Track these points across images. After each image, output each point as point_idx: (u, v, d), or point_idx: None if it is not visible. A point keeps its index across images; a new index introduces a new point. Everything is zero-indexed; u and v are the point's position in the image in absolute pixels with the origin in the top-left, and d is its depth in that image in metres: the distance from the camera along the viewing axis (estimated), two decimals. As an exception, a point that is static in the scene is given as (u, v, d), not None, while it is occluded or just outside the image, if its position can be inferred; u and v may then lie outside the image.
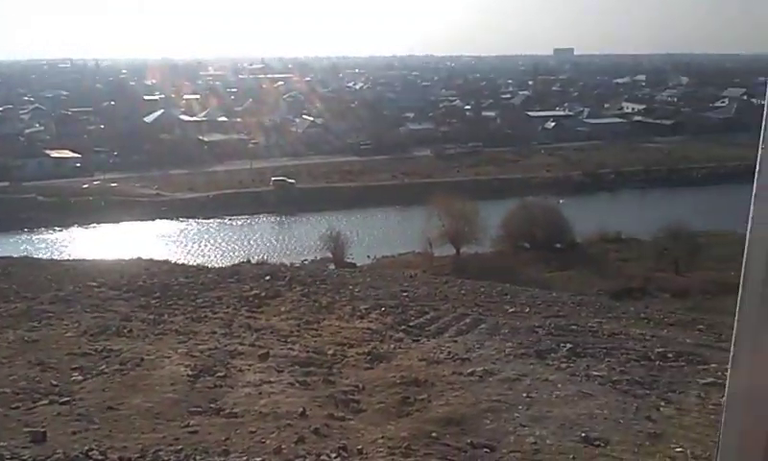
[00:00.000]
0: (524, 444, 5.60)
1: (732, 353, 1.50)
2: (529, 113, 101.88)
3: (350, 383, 7.11)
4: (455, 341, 9.26)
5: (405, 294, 13.56)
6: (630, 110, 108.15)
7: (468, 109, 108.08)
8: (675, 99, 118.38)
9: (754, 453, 1.43)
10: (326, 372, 7.43)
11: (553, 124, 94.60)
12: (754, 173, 1.58)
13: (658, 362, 9.07)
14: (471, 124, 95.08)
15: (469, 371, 7.65)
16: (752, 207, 1.50)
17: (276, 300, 11.47)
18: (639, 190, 70.32)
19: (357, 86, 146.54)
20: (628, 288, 38.20)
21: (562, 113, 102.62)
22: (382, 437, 5.62)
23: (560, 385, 7.30)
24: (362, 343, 8.78)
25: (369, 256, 48.89)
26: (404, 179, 72.48)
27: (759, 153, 1.53)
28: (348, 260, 44.36)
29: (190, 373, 6.95)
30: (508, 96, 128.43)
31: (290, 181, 66.64)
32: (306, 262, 40.44)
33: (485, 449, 5.54)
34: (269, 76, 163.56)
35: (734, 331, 1.47)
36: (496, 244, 47.94)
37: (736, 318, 1.49)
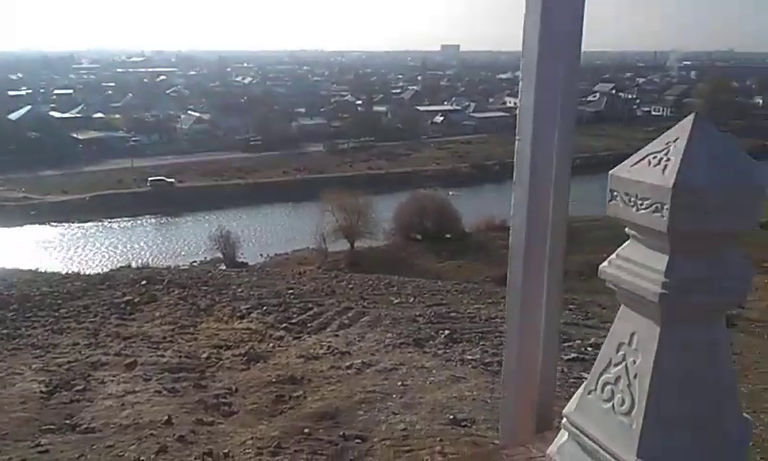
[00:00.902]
0: (395, 431, 5.69)
1: (506, 334, 1.57)
2: (419, 108, 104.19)
3: (223, 386, 6.89)
4: (336, 335, 9.26)
5: (291, 291, 13.38)
6: (513, 105, 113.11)
7: (359, 104, 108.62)
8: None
9: (526, 420, 1.51)
10: (198, 376, 7.16)
11: (441, 118, 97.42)
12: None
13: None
14: (363, 119, 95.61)
15: (348, 364, 7.67)
16: (512, 196, 1.59)
17: (150, 305, 10.89)
18: (522, 180, 73.95)
19: (246, 81, 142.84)
20: (513, 274, 40.16)
21: (449, 108, 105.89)
22: (252, 438, 5.49)
23: (434, 371, 7.50)
24: (239, 344, 8.55)
25: (262, 255, 47.96)
26: (297, 175, 71.68)
27: (516, 144, 1.62)
28: (240, 260, 43.32)
29: (44, 389, 6.43)
30: (398, 91, 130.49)
31: (169, 180, 63.82)
32: (195, 264, 39.00)
33: (356, 440, 5.56)
34: (150, 70, 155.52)
35: (506, 314, 1.55)
36: (389, 237, 48.65)
37: (506, 301, 1.58)
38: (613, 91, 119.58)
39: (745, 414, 1.62)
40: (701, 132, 1.34)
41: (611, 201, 1.43)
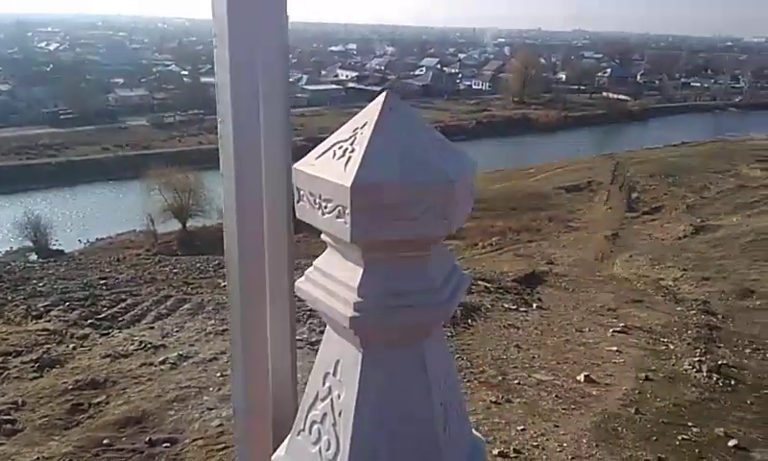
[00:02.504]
0: (209, 428, 5.31)
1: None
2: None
3: (6, 401, 5.96)
4: (152, 328, 8.52)
5: (104, 282, 12.16)
6: (345, 77, 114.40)
7: (185, 75, 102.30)
8: (383, 67, 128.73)
9: (258, 404, 1.32)
10: (-26, 393, 6.13)
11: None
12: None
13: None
14: (190, 90, 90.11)
15: (162, 359, 7.06)
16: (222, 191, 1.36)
17: None
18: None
19: (52, 47, 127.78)
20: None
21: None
22: (38, 458, 4.79)
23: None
24: (32, 349, 7.49)
25: (81, 241, 43.57)
26: (118, 151, 65.99)
27: (219, 128, 1.39)
28: (55, 247, 39.00)
29: None
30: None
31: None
32: (-2, 255, 34.37)
33: (165, 444, 5.10)
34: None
35: (230, 337, 1.34)
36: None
37: (229, 322, 1.38)
38: (438, 66, 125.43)
39: (476, 432, 1.51)
40: (391, 116, 1.13)
41: (298, 201, 1.18)
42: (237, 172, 1.29)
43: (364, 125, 1.12)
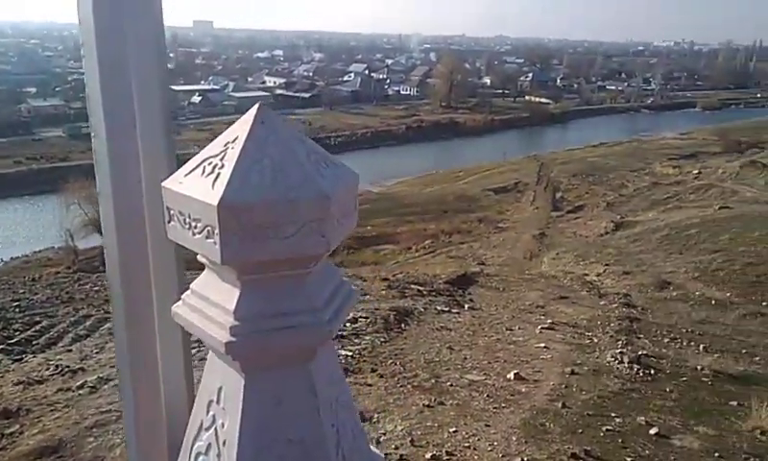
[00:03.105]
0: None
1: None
2: (173, 87, 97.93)
3: None
4: (69, 351, 8.08)
5: (17, 304, 11.43)
6: (272, 84, 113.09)
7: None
8: (311, 73, 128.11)
9: (151, 430, 1.26)
10: None
11: (199, 98, 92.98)
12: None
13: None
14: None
15: (80, 383, 6.69)
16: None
17: None
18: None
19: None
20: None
21: (207, 87, 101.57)
22: (-59, 502, 4.42)
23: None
24: (-66, 381, 6.94)
25: (-8, 261, 40.89)
26: (32, 164, 62.49)
27: (93, 143, 1.31)
28: (-36, 269, 36.45)
29: None
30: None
31: None
32: None
33: (84, 475, 4.82)
34: None
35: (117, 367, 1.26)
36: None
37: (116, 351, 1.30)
38: (366, 72, 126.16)
39: (374, 448, 1.48)
40: (262, 130, 1.08)
41: (169, 221, 1.11)
42: (115, 190, 1.20)
43: (234, 140, 1.06)
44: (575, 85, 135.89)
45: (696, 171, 49.09)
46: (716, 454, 5.41)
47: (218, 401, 1.14)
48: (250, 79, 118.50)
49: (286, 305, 1.07)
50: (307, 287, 1.09)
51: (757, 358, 9.80)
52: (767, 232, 19.73)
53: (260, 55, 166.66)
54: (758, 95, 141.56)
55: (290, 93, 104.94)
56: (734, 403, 6.87)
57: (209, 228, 0.98)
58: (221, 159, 1.03)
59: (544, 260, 23.69)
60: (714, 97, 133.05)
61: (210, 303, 1.09)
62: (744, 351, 10.35)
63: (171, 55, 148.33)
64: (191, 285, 1.16)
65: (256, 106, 1.11)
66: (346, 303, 1.20)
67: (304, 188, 1.00)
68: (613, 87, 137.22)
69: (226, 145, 1.06)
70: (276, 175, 1.01)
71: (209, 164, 1.04)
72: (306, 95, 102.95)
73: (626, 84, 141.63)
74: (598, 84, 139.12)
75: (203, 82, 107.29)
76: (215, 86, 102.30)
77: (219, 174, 1.00)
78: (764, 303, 14.71)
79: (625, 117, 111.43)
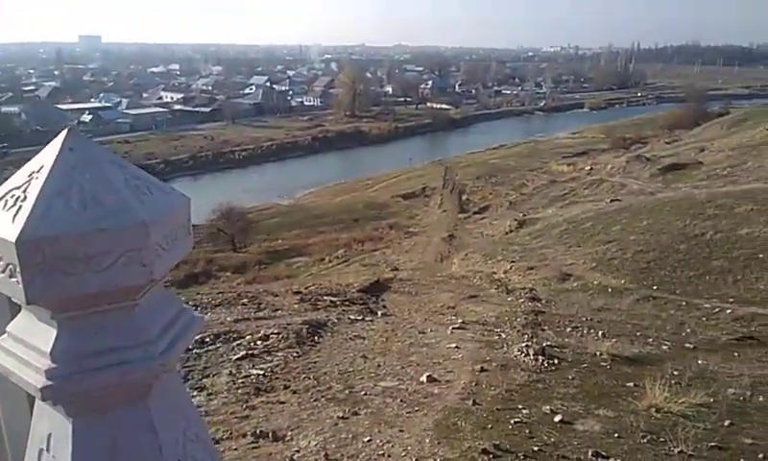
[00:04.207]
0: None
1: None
2: (60, 106, 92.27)
3: None
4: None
5: None
6: (169, 99, 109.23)
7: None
8: (210, 87, 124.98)
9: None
10: None
11: (90, 117, 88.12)
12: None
13: (195, 351, 9.08)
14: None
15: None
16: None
17: None
18: (190, 176, 72.08)
19: None
20: (193, 274, 38.94)
21: (98, 105, 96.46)
22: None
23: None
24: None
25: None
26: None
27: None
28: None
29: None
30: (32, 88, 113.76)
31: None
32: None
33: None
34: None
35: None
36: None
37: None
38: (268, 83, 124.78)
39: None
40: (71, 157, 1.01)
41: None
42: None
43: (40, 169, 0.98)
44: (473, 91, 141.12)
45: (588, 167, 52.21)
46: (616, 435, 5.72)
47: (48, 449, 1.04)
48: (145, 95, 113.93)
49: (111, 342, 0.99)
50: (136, 320, 1.02)
51: (650, 339, 10.51)
52: (653, 221, 21.27)
53: (155, 70, 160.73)
54: (639, 94, 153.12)
55: (189, 108, 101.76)
56: (631, 385, 7.30)
57: (11, 266, 0.89)
58: (23, 191, 0.94)
59: (455, 262, 24.31)
60: (600, 98, 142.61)
61: (27, 346, 0.99)
62: (638, 333, 11.07)
63: (56, 72, 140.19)
64: (7, 328, 1.05)
65: (65, 131, 1.03)
66: (185, 332, 1.13)
67: (119, 216, 0.93)
68: (509, 92, 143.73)
69: (30, 175, 0.97)
70: (86, 204, 0.93)
71: (12, 197, 0.94)
72: (207, 109, 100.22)
73: (520, 88, 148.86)
74: (494, 89, 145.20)
75: (93, 99, 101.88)
76: (107, 104, 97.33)
77: (21, 207, 0.91)
78: (655, 287, 15.83)
79: (521, 120, 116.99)
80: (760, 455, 5.39)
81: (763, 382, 7.67)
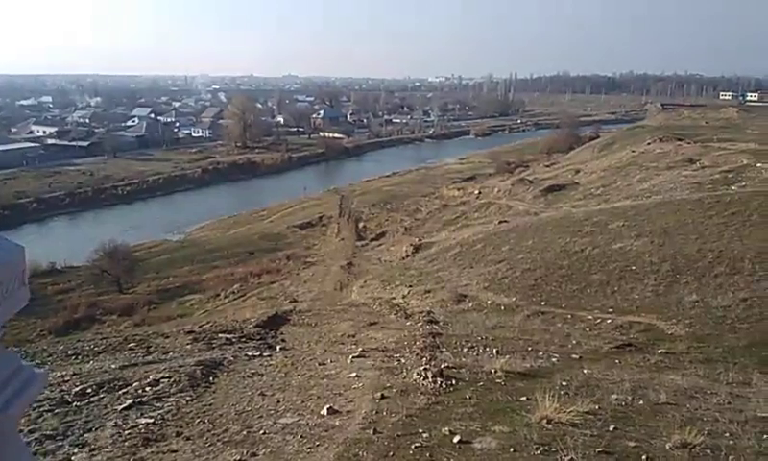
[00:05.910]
0: None
1: None
2: None
3: None
4: None
5: None
6: (42, 134, 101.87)
7: None
8: (87, 120, 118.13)
9: None
10: None
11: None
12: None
13: (75, 403, 8.36)
14: None
15: None
16: None
17: None
18: (68, 215, 67.30)
19: None
20: (74, 320, 36.13)
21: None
22: None
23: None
24: None
25: None
26: None
27: None
28: None
29: None
30: None
31: None
32: None
33: None
34: None
35: None
36: None
37: None
38: (152, 115, 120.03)
39: None
40: None
41: None
42: None
43: None
44: (364, 120, 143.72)
45: (477, 191, 54.52)
46: (512, 450, 5.88)
47: None
48: (14, 129, 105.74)
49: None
50: None
51: (540, 353, 10.99)
52: (538, 240, 22.50)
53: (24, 102, 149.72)
54: (519, 121, 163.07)
55: (64, 142, 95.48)
56: (524, 399, 7.57)
57: None
58: None
59: (354, 289, 24.32)
60: (484, 124, 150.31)
61: None
62: (529, 348, 11.56)
63: None
64: None
65: None
66: (23, 390, 1.02)
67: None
68: (399, 121, 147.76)
69: None
70: None
71: None
72: (84, 143, 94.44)
73: (409, 117, 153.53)
74: (385, 118, 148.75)
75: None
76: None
77: None
78: (543, 303, 16.66)
79: (411, 147, 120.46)
80: (644, 457, 5.73)
81: (642, 386, 8.23)
